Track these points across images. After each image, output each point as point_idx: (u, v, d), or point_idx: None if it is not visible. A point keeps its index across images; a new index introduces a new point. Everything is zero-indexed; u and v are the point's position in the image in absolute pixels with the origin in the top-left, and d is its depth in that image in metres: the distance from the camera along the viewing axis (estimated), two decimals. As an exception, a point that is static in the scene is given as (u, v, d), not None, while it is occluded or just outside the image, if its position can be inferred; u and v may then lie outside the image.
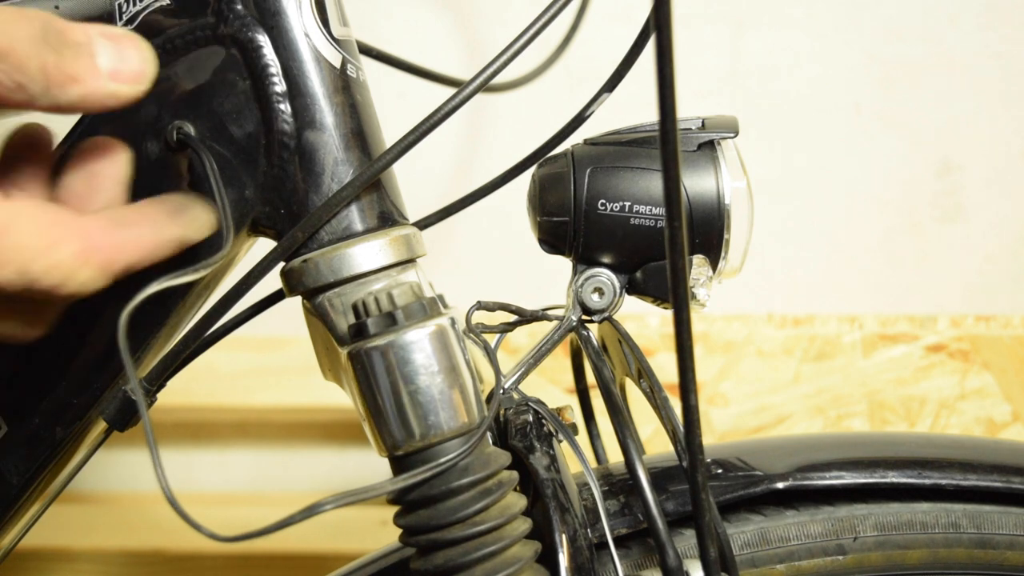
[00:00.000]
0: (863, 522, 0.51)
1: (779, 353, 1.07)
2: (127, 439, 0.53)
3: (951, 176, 1.11)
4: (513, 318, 0.55)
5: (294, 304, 0.48)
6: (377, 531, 1.14)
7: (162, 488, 0.35)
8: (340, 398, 0.48)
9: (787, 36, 1.08)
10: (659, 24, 0.32)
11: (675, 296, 0.37)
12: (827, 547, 0.50)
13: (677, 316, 0.38)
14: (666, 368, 0.99)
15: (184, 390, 1.07)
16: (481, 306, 0.54)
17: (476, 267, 1.15)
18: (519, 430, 0.48)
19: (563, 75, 0.92)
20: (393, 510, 0.45)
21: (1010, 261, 1.12)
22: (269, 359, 1.12)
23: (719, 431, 1.08)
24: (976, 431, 1.06)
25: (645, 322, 1.06)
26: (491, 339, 0.53)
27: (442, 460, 0.42)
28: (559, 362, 1.03)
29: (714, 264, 0.50)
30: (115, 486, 1.24)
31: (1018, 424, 1.05)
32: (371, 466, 1.23)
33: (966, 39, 1.07)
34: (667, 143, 0.34)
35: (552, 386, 1.06)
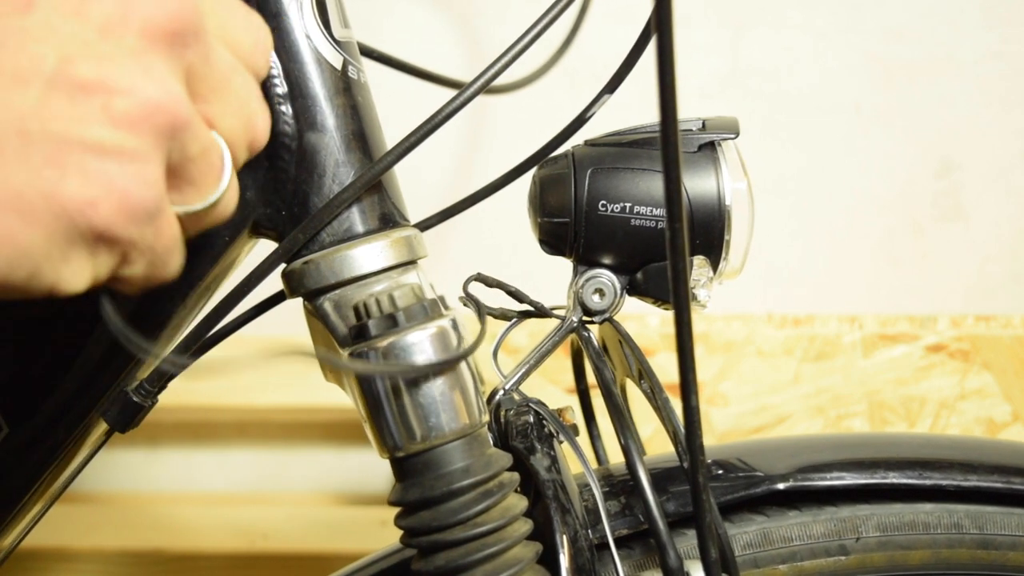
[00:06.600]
0: (866, 522, 0.51)
1: (779, 353, 1.07)
2: (127, 439, 0.53)
3: (951, 176, 1.10)
4: (515, 306, 0.54)
5: (294, 305, 0.48)
6: (377, 531, 1.14)
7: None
8: (340, 398, 0.48)
9: (787, 36, 1.08)
10: (660, 25, 0.32)
11: (676, 297, 0.37)
12: (830, 547, 0.50)
13: (678, 317, 0.38)
14: (666, 368, 0.99)
15: (184, 390, 1.07)
16: (480, 278, 0.53)
17: (473, 268, 1.14)
18: (520, 431, 0.48)
19: (563, 77, 0.91)
20: (393, 511, 0.45)
21: (1010, 261, 1.12)
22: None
23: (719, 431, 1.08)
24: (976, 431, 1.06)
25: (645, 322, 1.06)
26: (499, 329, 0.52)
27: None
28: (559, 362, 1.03)
29: (715, 265, 0.50)
30: (115, 486, 1.23)
31: (1018, 424, 1.05)
32: (371, 465, 1.23)
33: (966, 39, 1.07)
34: (668, 144, 0.34)
35: (552, 386, 1.06)
